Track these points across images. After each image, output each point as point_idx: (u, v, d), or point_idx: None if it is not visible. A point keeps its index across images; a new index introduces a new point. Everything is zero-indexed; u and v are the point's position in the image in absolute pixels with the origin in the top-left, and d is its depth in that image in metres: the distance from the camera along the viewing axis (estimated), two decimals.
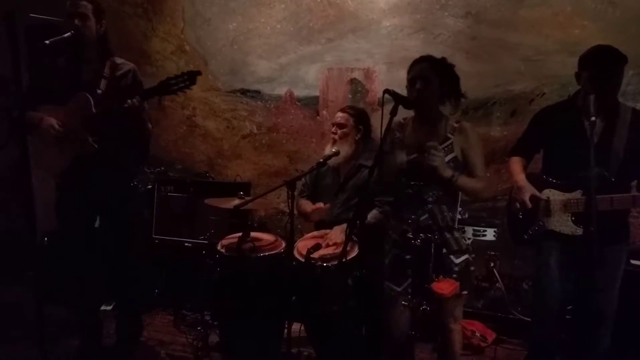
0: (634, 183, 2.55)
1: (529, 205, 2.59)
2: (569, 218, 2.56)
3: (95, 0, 2.84)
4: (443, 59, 2.49)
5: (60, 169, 2.89)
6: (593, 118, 2.23)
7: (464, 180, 2.40)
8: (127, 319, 3.27)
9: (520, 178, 2.70)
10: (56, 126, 2.77)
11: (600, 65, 2.43)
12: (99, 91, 2.80)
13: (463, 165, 2.46)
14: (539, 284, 2.76)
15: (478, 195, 2.52)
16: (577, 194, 2.53)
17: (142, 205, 3.93)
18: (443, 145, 2.43)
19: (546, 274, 2.67)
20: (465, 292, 2.48)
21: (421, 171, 2.40)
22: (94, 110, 2.73)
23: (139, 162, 3.29)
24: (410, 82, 2.46)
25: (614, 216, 2.44)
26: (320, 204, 3.16)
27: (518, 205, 2.67)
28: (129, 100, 2.66)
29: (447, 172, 2.35)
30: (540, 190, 2.63)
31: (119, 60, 2.97)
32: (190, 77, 2.61)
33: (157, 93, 2.70)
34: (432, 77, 2.41)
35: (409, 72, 2.50)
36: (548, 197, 2.61)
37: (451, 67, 2.49)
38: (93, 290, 3.14)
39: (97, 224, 3.13)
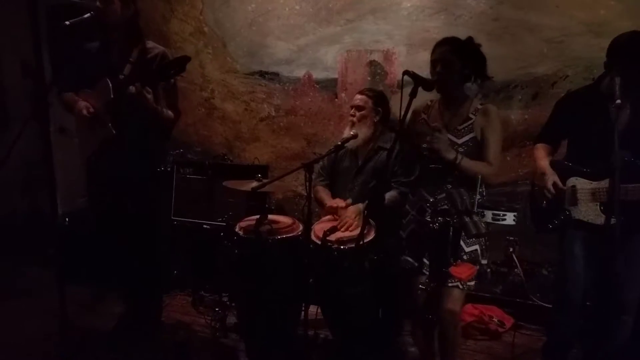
0: None
1: (552, 191, 2.55)
2: (598, 207, 2.50)
3: None
4: (469, 40, 2.48)
5: (90, 151, 2.95)
6: (618, 101, 2.17)
7: (468, 163, 2.41)
8: (148, 300, 3.31)
9: (543, 164, 2.65)
10: (84, 111, 2.80)
11: (633, 54, 2.34)
12: (121, 76, 2.81)
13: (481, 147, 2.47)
14: (562, 272, 2.73)
15: (484, 180, 2.50)
16: (605, 183, 2.46)
17: (164, 189, 3.97)
18: (463, 125, 2.47)
19: (570, 262, 2.63)
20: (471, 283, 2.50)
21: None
22: (112, 95, 2.74)
23: (161, 147, 3.27)
24: (432, 64, 2.48)
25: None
26: (340, 201, 3.14)
27: (546, 193, 2.61)
28: (130, 87, 2.67)
29: (450, 154, 2.38)
30: (565, 178, 2.57)
31: (149, 44, 2.96)
32: (179, 64, 2.58)
33: (153, 79, 2.68)
34: (453, 60, 2.43)
35: (431, 54, 2.51)
36: (574, 186, 2.55)
37: (476, 48, 2.48)
38: (122, 270, 3.20)
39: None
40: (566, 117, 2.68)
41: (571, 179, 2.57)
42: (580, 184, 2.54)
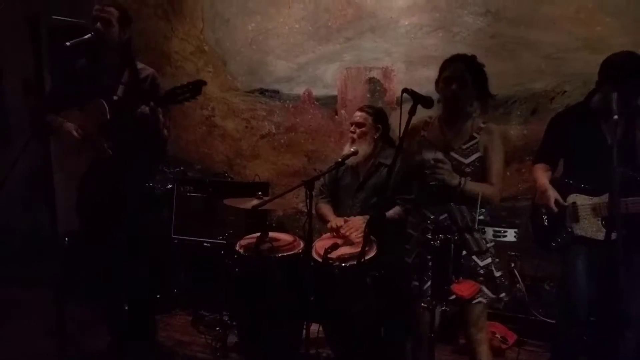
0: None
1: (555, 209, 2.55)
2: (600, 222, 2.50)
3: (122, 8, 2.87)
4: (473, 57, 2.47)
5: (79, 172, 2.94)
6: (616, 117, 2.17)
7: (471, 186, 2.39)
8: (141, 319, 3.26)
9: (543, 182, 2.65)
10: (74, 132, 2.79)
11: (626, 76, 2.36)
12: (115, 97, 2.82)
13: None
14: (565, 286, 2.71)
15: (488, 200, 2.48)
16: (605, 198, 2.46)
17: (158, 207, 3.96)
18: (468, 145, 2.45)
19: (573, 277, 2.62)
20: (493, 296, 2.46)
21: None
22: (108, 116, 2.74)
23: (154, 167, 3.27)
24: (446, 80, 2.44)
25: None
26: (340, 221, 3.13)
27: (543, 211, 2.62)
28: (142, 107, 2.66)
29: (454, 181, 2.36)
30: (565, 196, 2.58)
31: (139, 66, 2.98)
32: (195, 88, 2.58)
33: (166, 102, 2.68)
34: (467, 78, 2.41)
35: (442, 69, 2.49)
36: (575, 202, 2.56)
37: (482, 66, 2.48)
38: (117, 288, 3.17)
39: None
40: (559, 136, 2.70)
41: (571, 195, 2.58)
42: (581, 200, 2.55)
